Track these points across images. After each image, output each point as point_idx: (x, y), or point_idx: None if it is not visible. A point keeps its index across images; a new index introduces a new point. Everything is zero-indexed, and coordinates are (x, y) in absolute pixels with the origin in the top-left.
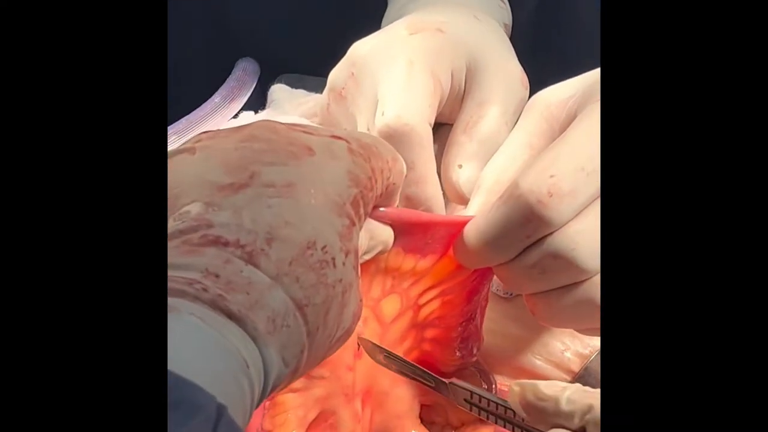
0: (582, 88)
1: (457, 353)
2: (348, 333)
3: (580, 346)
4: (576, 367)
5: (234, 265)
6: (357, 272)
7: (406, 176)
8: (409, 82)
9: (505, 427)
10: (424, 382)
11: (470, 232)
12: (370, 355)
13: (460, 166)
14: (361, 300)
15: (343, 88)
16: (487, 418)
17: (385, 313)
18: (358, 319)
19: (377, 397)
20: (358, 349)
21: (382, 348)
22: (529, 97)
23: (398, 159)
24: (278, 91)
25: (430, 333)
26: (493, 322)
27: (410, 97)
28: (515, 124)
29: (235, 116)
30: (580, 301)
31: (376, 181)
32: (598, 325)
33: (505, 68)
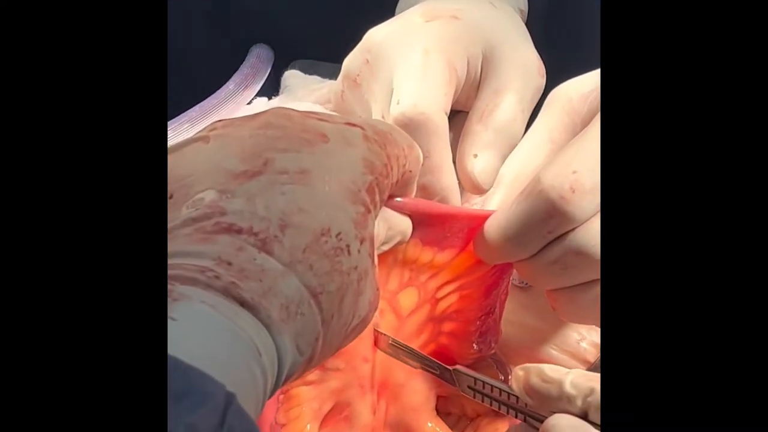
0: None
1: (475, 346)
2: (365, 322)
3: (596, 336)
4: (592, 357)
5: (247, 252)
6: (373, 260)
7: (421, 165)
8: (424, 70)
9: (508, 413)
10: (429, 369)
11: (491, 228)
12: (376, 344)
13: (476, 156)
14: (377, 289)
15: (358, 75)
16: (491, 405)
17: (402, 305)
18: (375, 309)
19: (393, 389)
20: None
21: (387, 336)
22: (546, 85)
23: (414, 147)
24: (291, 77)
25: (447, 327)
26: (509, 312)
27: (426, 86)
28: (531, 112)
29: (249, 103)
30: None
31: (391, 169)
32: None
33: (521, 56)
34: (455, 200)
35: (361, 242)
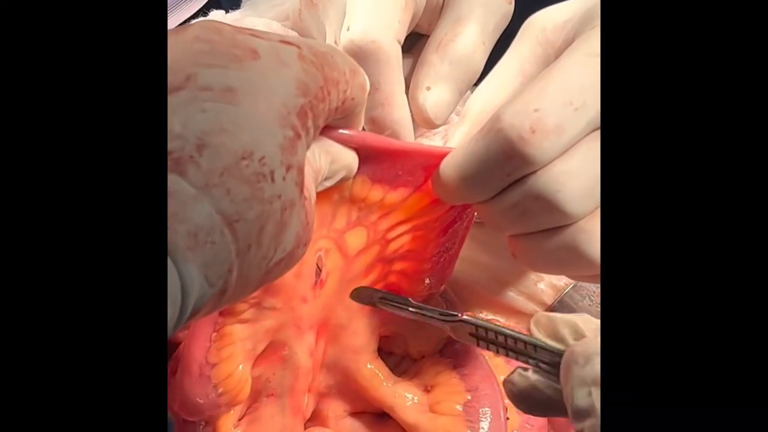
0: (581, 12)
1: (427, 281)
2: (291, 257)
3: (555, 278)
4: (549, 299)
5: None
6: (301, 191)
7: (371, 97)
8: None
9: (517, 359)
10: (432, 319)
11: (447, 166)
12: (357, 301)
13: (428, 88)
14: (308, 224)
15: None
16: (497, 353)
17: (349, 245)
18: (305, 244)
19: (333, 330)
20: (317, 281)
21: (377, 291)
22: (515, 12)
23: (358, 72)
24: None
25: (398, 266)
26: (463, 248)
27: (378, 11)
28: (495, 42)
29: (205, 14)
30: (564, 246)
31: (329, 93)
32: (583, 273)
33: None
34: (407, 135)
35: (287, 169)
